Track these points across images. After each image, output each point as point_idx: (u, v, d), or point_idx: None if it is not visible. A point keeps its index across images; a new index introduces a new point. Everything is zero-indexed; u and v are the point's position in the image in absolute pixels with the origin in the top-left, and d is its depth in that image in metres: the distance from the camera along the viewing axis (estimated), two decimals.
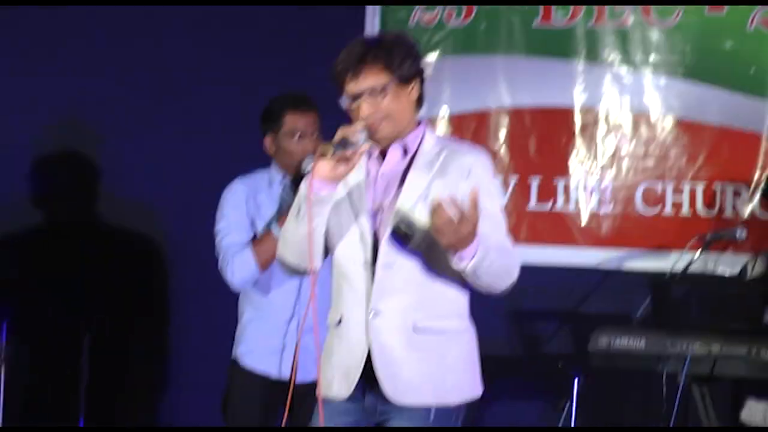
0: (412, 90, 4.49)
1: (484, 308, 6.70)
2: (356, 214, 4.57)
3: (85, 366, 8.37)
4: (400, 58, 4.48)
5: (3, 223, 8.79)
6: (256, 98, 6.93)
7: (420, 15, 7.73)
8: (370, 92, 4.43)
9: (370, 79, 4.43)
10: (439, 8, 7.79)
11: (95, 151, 8.90)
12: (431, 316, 4.52)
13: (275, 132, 6.05)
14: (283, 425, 5.31)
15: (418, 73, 4.51)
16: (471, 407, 4.73)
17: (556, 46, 7.44)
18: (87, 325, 8.40)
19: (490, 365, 7.10)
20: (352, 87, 4.44)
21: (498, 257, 4.45)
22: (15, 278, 8.55)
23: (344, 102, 4.45)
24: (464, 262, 4.19)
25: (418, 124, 4.57)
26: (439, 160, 4.57)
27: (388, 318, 4.46)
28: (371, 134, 4.45)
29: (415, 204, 4.43)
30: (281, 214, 5.95)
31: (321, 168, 4.28)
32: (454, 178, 4.49)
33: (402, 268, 4.44)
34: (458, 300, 4.55)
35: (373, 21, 7.86)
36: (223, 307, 6.55)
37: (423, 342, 4.52)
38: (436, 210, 4.16)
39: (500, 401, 7.69)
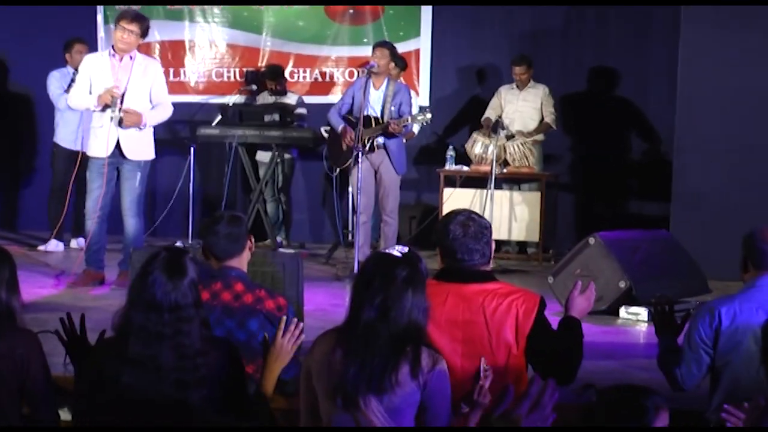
0: (139, 40, 7.11)
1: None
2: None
3: None
4: (145, 24, 7.08)
5: None
6: None
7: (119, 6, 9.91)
8: (129, 32, 7.01)
9: (132, 27, 7.02)
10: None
11: None
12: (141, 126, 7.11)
13: None
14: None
15: (146, 33, 7.24)
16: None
17: (169, 14, 10.26)
18: None
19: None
20: (124, 26, 6.95)
21: (160, 113, 7.19)
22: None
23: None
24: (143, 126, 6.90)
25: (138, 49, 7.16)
26: (143, 62, 7.22)
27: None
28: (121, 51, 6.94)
29: (137, 84, 7.03)
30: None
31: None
32: (147, 69, 7.18)
33: (128, 105, 7.00)
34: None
35: None
36: None
37: (137, 135, 7.10)
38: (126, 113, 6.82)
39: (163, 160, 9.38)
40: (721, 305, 4.02)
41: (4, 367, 3.41)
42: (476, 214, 3.89)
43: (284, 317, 3.68)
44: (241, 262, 4.11)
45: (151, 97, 7.26)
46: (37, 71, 9.51)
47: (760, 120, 8.05)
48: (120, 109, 7.03)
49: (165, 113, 7.35)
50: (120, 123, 7.06)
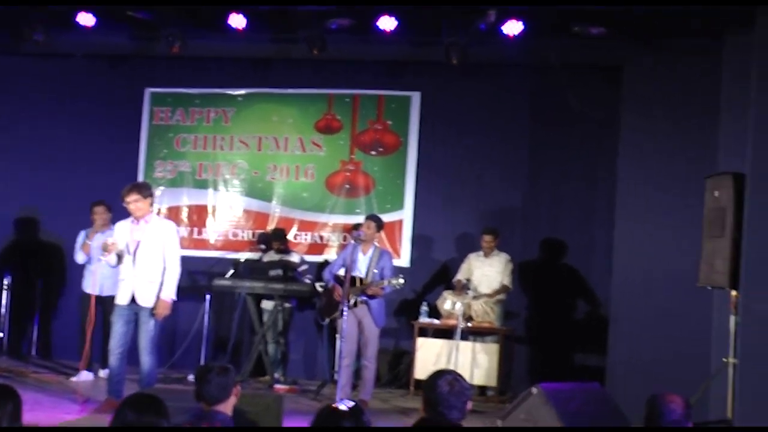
0: (147, 200, 7.16)
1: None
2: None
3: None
4: (145, 190, 7.21)
5: None
6: None
7: (156, 174, 10.50)
8: (133, 201, 7.11)
9: (131, 197, 7.12)
10: (165, 171, 10.46)
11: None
12: (153, 278, 7.20)
13: None
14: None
15: (150, 195, 7.25)
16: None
17: (197, 183, 10.49)
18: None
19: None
20: (127, 201, 7.07)
21: (171, 280, 7.20)
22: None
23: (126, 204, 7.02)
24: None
25: (150, 212, 7.16)
26: (156, 224, 7.28)
27: (139, 278, 7.22)
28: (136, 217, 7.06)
29: (149, 243, 7.16)
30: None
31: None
32: (160, 230, 7.24)
33: (141, 261, 7.21)
34: (162, 275, 7.16)
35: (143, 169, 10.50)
36: None
37: (150, 285, 7.20)
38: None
39: (183, 304, 9.29)
40: None
41: None
42: (462, 377, 3.88)
43: None
44: (227, 406, 4.16)
45: (164, 251, 7.36)
46: (66, 225, 9.88)
47: (680, 291, 8.15)
48: (118, 260, 7.29)
49: (174, 276, 7.38)
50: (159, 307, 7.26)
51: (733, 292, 6.57)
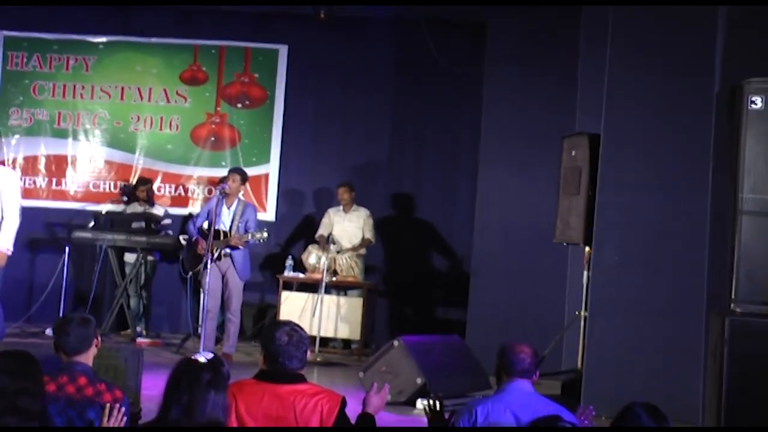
0: None
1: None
2: None
3: None
4: None
5: None
6: None
7: (12, 122, 10.14)
8: None
9: None
10: (21, 119, 10.12)
11: None
12: None
13: None
14: None
15: None
16: None
17: (56, 132, 10.19)
18: None
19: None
20: None
21: (9, 231, 6.47)
22: None
23: None
24: None
25: None
26: None
27: None
28: None
29: None
30: None
31: None
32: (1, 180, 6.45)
33: None
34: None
35: None
36: None
37: None
38: None
39: (41, 256, 9.95)
40: (477, 405, 4.16)
41: None
42: (298, 326, 3.92)
43: (107, 404, 3.76)
44: (88, 357, 4.10)
45: (2, 200, 6.84)
46: None
47: (538, 247, 8.38)
48: None
49: (11, 227, 6.84)
50: None
51: (587, 248, 6.82)
